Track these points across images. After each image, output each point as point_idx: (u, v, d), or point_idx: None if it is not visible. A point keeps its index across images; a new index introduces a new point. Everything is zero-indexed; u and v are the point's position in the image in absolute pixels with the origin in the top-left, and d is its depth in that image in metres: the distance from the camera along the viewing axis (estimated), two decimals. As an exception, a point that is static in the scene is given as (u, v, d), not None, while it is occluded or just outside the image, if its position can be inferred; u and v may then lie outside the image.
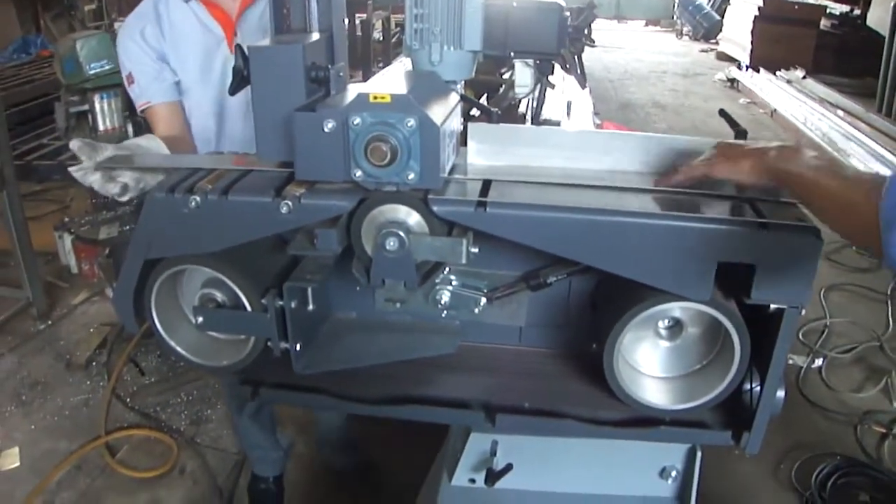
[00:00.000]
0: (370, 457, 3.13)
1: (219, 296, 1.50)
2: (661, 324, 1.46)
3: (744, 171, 1.31)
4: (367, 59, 9.33)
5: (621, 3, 19.71)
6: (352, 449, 3.01)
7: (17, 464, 3.36)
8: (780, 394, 1.43)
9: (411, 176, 1.26)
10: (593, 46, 1.60)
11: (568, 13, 1.53)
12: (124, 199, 1.65)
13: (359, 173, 1.27)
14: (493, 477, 1.64)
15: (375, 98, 1.23)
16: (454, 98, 1.47)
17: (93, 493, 3.20)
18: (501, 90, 2.89)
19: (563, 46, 1.51)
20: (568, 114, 2.65)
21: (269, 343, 1.48)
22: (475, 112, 1.93)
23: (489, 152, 1.49)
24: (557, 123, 2.39)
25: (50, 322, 4.45)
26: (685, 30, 17.33)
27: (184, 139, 2.35)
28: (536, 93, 1.91)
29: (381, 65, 9.19)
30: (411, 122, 1.22)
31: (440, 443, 1.84)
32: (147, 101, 2.34)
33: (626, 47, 15.35)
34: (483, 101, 2.39)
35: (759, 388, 1.43)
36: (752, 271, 1.29)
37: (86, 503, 3.14)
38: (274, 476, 3.09)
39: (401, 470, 3.11)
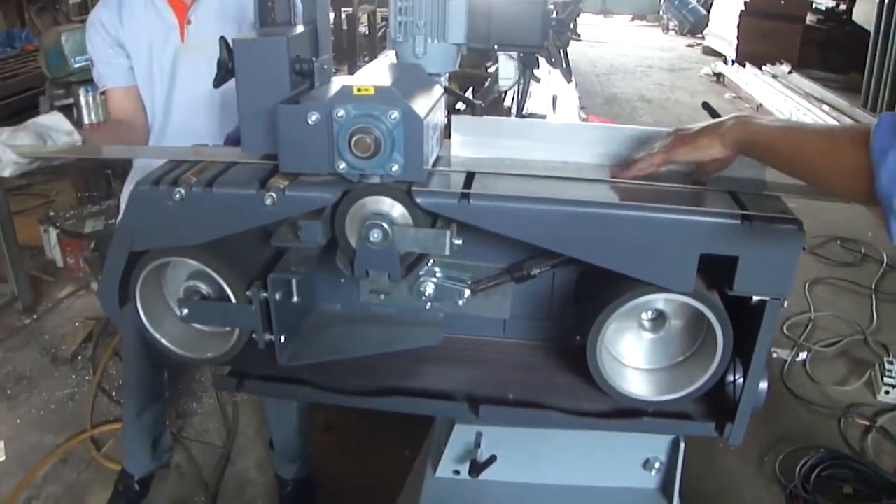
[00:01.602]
0: (313, 467, 3.13)
1: (203, 288, 1.50)
2: (644, 315, 1.47)
3: (704, 146, 1.33)
4: (353, 53, 9.32)
5: (607, -2, 19.73)
6: (301, 460, 3.01)
7: (3, 458, 3.34)
8: (763, 385, 1.44)
9: (395, 168, 1.26)
10: (579, 41, 1.61)
11: (552, 6, 1.53)
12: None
13: (343, 165, 1.27)
14: (477, 468, 1.65)
15: (359, 90, 1.23)
16: (438, 91, 1.47)
17: (79, 486, 3.19)
18: (487, 84, 2.90)
19: (546, 40, 1.51)
20: (554, 108, 2.66)
21: (253, 335, 1.48)
22: (461, 105, 1.94)
23: (473, 144, 1.50)
24: (543, 117, 2.40)
25: (35, 316, 4.43)
26: (671, 25, 17.36)
27: (131, 124, 2.38)
28: (521, 86, 1.91)
29: (366, 59, 9.18)
30: (395, 114, 1.23)
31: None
32: (104, 85, 2.40)
33: (611, 42, 15.36)
34: (469, 94, 2.39)
35: (742, 379, 1.44)
36: (735, 263, 1.29)
37: (72, 497, 3.13)
38: (140, 476, 3.07)
39: (343, 483, 3.19)
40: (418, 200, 1.29)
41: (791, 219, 1.28)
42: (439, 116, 1.43)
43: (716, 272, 1.35)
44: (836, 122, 7.64)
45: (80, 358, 4.01)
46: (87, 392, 3.74)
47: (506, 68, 1.74)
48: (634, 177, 1.41)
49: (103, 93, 2.46)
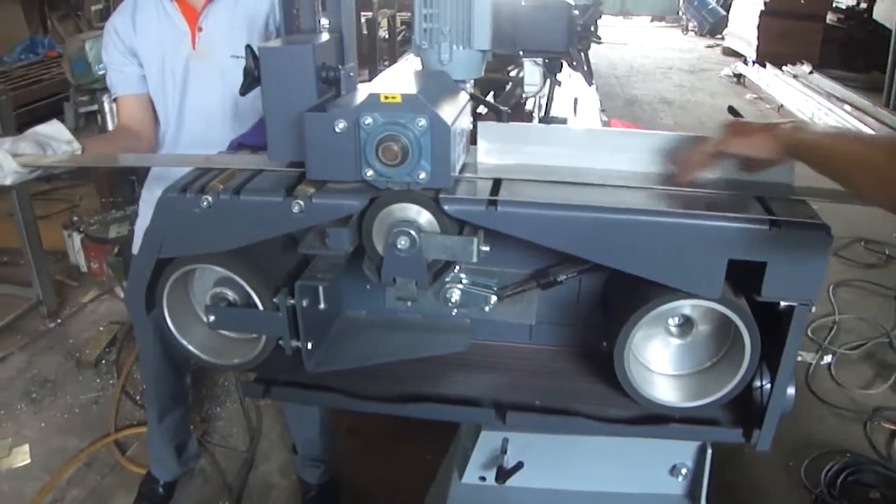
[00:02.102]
0: (336, 472, 3.13)
1: (230, 295, 1.51)
2: (671, 321, 1.46)
3: (756, 145, 1.32)
4: (373, 57, 9.33)
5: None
6: (324, 464, 3.02)
7: (28, 461, 3.37)
8: (791, 391, 1.43)
9: (422, 175, 1.26)
10: (599, 43, 1.61)
11: (576, 11, 1.53)
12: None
13: (370, 173, 1.27)
14: (503, 475, 1.65)
15: (386, 98, 1.24)
16: (464, 97, 1.47)
17: (103, 490, 3.21)
18: (508, 88, 2.89)
19: (572, 45, 1.51)
20: (574, 111, 2.65)
21: (280, 342, 1.48)
22: (482, 110, 1.94)
23: (499, 151, 1.50)
24: (564, 121, 2.39)
25: (59, 320, 4.46)
26: (691, 25, 17.30)
27: (136, 133, 2.39)
28: (546, 91, 1.91)
29: (386, 63, 9.18)
30: (422, 121, 1.23)
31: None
32: (115, 93, 2.42)
33: (631, 43, 15.31)
34: (489, 99, 2.39)
35: (769, 385, 1.43)
36: (762, 268, 1.29)
37: (96, 500, 3.15)
38: (165, 480, 3.09)
39: (367, 487, 3.19)
40: (446, 208, 1.29)
41: (819, 224, 1.27)
42: (465, 123, 1.43)
43: (742, 277, 1.34)
44: (859, 124, 7.61)
45: (104, 362, 4.03)
46: (111, 396, 3.76)
47: (531, 74, 1.74)
48: (691, 174, 1.41)
49: (115, 100, 2.47)
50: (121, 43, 2.36)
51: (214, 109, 2.37)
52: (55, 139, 1.77)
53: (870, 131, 7.42)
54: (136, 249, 2.56)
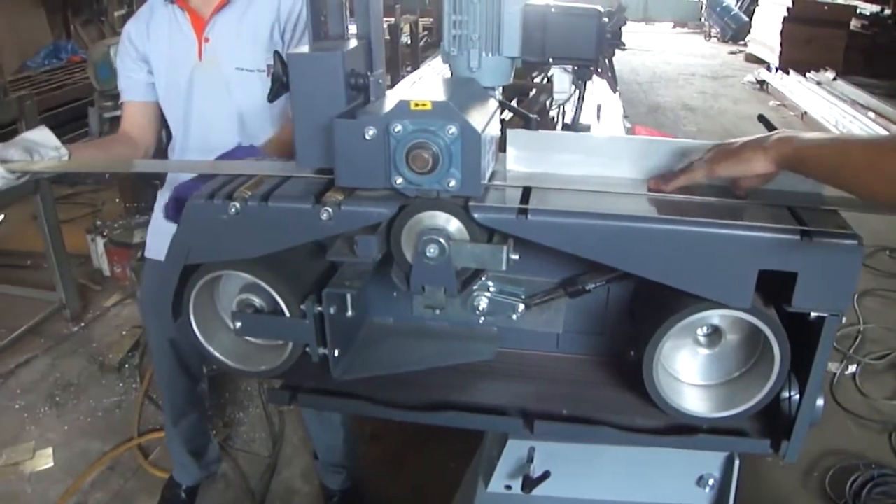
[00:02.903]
0: (359, 478, 3.14)
1: (257, 301, 1.50)
2: (700, 331, 1.45)
3: (748, 160, 1.30)
4: (396, 63, 9.34)
5: (649, 5, 19.64)
6: (346, 470, 3.02)
7: (51, 464, 3.39)
8: (820, 402, 1.42)
9: (452, 183, 1.25)
10: (624, 49, 1.60)
11: (606, 19, 1.52)
12: None
13: (399, 180, 1.27)
14: (530, 484, 1.64)
15: (416, 105, 1.23)
16: (493, 105, 1.46)
17: (126, 493, 3.22)
18: (532, 94, 2.88)
19: (601, 52, 1.50)
20: (598, 117, 2.64)
21: (307, 349, 1.48)
22: (506, 116, 1.93)
23: (528, 159, 1.49)
24: (588, 127, 2.38)
25: (83, 324, 4.49)
26: (713, 31, 17.25)
27: (133, 140, 2.40)
28: (575, 98, 1.90)
29: (408, 69, 9.19)
30: (453, 129, 1.22)
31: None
32: (122, 97, 2.45)
33: (654, 50, 15.29)
34: (514, 104, 2.39)
35: (797, 395, 1.41)
36: (792, 278, 1.27)
37: (118, 504, 3.18)
38: (188, 485, 3.12)
39: (389, 494, 3.20)
40: (476, 216, 1.28)
41: (850, 234, 1.25)
42: (495, 131, 1.42)
43: (771, 287, 1.33)
44: (884, 132, 7.55)
45: (127, 366, 4.06)
46: (134, 400, 3.79)
47: (560, 81, 1.73)
48: (673, 189, 1.39)
49: (121, 104, 2.49)
50: (133, 49, 2.38)
51: (218, 120, 2.36)
52: (43, 145, 1.79)
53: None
54: (148, 253, 2.59)
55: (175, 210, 1.52)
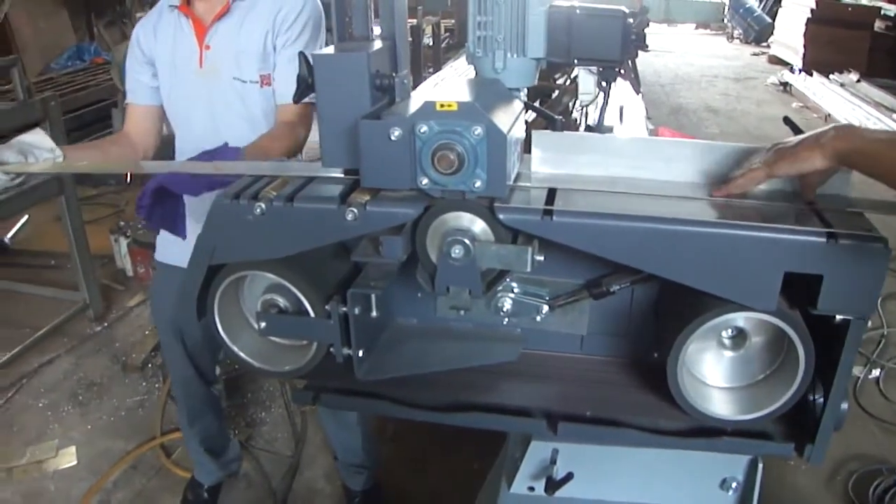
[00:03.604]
0: (381, 479, 3.15)
1: (281, 301, 1.51)
2: (724, 333, 1.44)
3: (805, 159, 1.29)
4: (418, 64, 9.36)
5: (671, 7, 19.60)
6: (367, 470, 3.02)
7: (75, 462, 3.42)
8: (845, 406, 1.41)
9: (478, 184, 1.25)
10: (647, 51, 1.59)
11: (631, 20, 1.52)
12: None
13: (425, 181, 1.27)
14: (553, 486, 1.63)
15: (442, 106, 1.23)
16: (518, 106, 1.46)
17: (148, 492, 3.24)
18: (555, 95, 2.88)
19: (626, 54, 1.49)
20: (620, 119, 2.63)
21: (331, 349, 1.48)
22: (530, 117, 1.92)
23: (553, 160, 1.49)
24: (610, 129, 2.37)
25: (106, 324, 4.53)
26: (736, 33, 17.19)
27: (131, 143, 2.43)
28: (601, 100, 1.89)
29: (430, 70, 9.21)
30: (478, 130, 1.22)
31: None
32: (127, 99, 2.48)
33: (676, 51, 15.26)
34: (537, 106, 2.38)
35: (821, 399, 1.40)
36: (818, 281, 1.26)
37: (141, 503, 3.19)
38: (210, 485, 3.13)
39: (412, 495, 3.20)
40: (501, 217, 1.28)
41: (877, 237, 1.24)
42: (520, 132, 1.42)
43: (796, 289, 1.32)
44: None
45: (150, 366, 4.09)
46: (156, 399, 3.81)
47: (585, 83, 1.73)
48: (734, 195, 1.38)
49: (126, 104, 2.52)
50: (140, 52, 2.39)
51: (215, 128, 2.35)
52: (38, 147, 1.82)
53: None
54: (158, 256, 2.60)
55: (153, 200, 1.56)
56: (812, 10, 11.74)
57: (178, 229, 1.76)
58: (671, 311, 1.47)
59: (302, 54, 1.45)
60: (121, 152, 2.35)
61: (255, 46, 2.27)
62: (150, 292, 3.28)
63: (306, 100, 2.05)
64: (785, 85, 11.62)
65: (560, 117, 1.61)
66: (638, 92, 1.92)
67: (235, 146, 1.85)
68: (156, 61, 2.38)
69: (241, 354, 1.59)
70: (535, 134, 1.49)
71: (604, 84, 1.69)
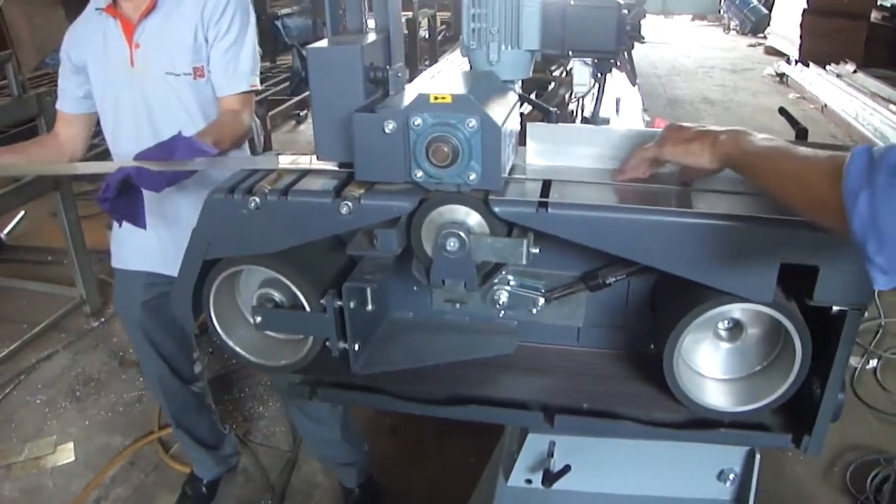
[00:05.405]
0: (375, 472, 3.14)
1: (277, 296, 1.51)
2: (720, 325, 1.44)
3: (694, 153, 1.29)
4: (414, 57, 9.34)
5: (667, -2, 19.58)
6: (354, 465, 3.01)
7: (72, 458, 3.42)
8: (842, 396, 1.41)
9: (472, 176, 1.25)
10: (643, 42, 1.59)
11: (626, 11, 1.51)
12: None
13: (419, 174, 1.26)
14: (550, 478, 1.63)
15: (436, 98, 1.23)
16: (513, 98, 1.46)
17: (146, 488, 3.24)
18: (551, 87, 2.87)
19: (621, 45, 1.49)
20: (617, 110, 2.63)
21: (327, 343, 1.48)
22: (525, 109, 1.92)
23: (548, 152, 1.49)
24: (607, 121, 2.37)
25: (103, 319, 4.52)
26: (732, 24, 17.16)
27: (57, 144, 2.43)
28: (595, 92, 1.89)
29: (426, 63, 9.20)
30: (473, 122, 1.21)
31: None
32: (57, 104, 2.47)
33: (672, 42, 15.24)
34: (532, 98, 2.38)
35: (819, 390, 1.40)
36: (814, 272, 1.26)
37: (139, 498, 3.19)
38: (208, 479, 3.13)
39: (409, 488, 3.20)
40: (496, 209, 1.28)
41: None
42: (514, 124, 1.42)
43: (792, 280, 1.32)
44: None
45: (147, 361, 4.07)
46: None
47: (581, 75, 1.72)
48: (631, 179, 1.39)
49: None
50: (68, 59, 2.38)
51: (150, 125, 2.34)
52: None
53: None
54: (114, 263, 2.59)
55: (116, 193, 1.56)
56: (808, 1, 11.70)
57: (140, 221, 1.77)
58: (667, 302, 1.47)
59: (295, 47, 1.44)
60: (46, 154, 2.36)
61: (186, 39, 2.26)
62: (114, 299, 3.27)
63: (242, 90, 2.05)
64: (781, 76, 11.61)
65: (555, 109, 1.60)
66: (634, 83, 1.91)
67: (187, 136, 1.83)
68: (87, 66, 2.35)
69: (237, 349, 1.59)
70: (529, 126, 1.48)
71: (599, 76, 1.68)
